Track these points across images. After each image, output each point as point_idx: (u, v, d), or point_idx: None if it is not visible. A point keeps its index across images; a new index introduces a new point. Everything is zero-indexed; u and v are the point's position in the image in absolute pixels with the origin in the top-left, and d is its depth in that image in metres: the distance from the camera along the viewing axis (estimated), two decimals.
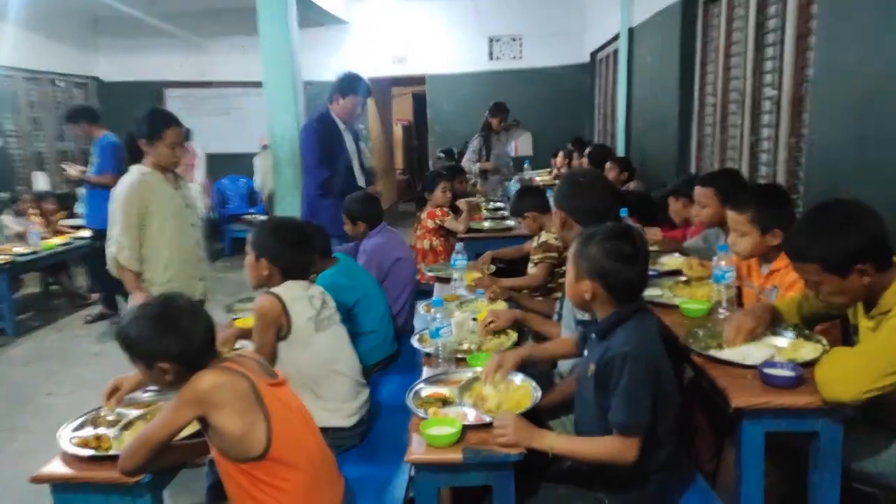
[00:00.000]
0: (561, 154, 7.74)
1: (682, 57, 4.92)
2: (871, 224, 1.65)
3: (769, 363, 1.69)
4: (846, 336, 1.97)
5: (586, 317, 1.90)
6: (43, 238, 5.45)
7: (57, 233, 5.98)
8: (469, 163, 6.25)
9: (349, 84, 4.03)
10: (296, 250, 2.15)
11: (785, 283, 2.23)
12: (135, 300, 2.66)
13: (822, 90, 2.90)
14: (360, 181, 4.14)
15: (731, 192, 2.66)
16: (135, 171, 2.80)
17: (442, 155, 7.84)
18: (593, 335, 1.72)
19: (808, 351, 1.79)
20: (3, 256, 4.97)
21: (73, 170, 5.22)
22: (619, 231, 1.69)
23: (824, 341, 1.82)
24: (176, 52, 9.19)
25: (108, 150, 4.87)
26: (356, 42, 9.27)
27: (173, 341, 1.52)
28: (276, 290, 2.04)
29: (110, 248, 2.76)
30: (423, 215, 4.43)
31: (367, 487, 1.92)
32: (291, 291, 2.05)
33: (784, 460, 1.75)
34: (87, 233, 5.82)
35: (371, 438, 2.22)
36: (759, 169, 3.86)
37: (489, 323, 2.30)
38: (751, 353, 1.78)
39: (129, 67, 9.06)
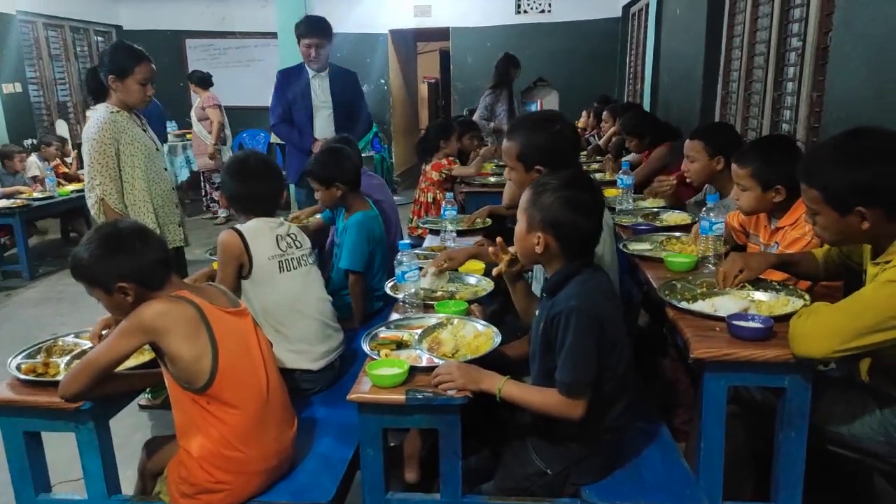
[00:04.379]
0: (585, 113, 7.44)
1: (710, 6, 4.65)
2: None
3: (740, 315, 1.58)
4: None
5: None
6: (59, 185, 5.53)
7: (74, 180, 6.06)
8: (480, 120, 5.90)
9: (296, 28, 3.80)
10: (245, 184, 2.08)
11: (785, 241, 2.09)
12: None
13: (842, 39, 2.68)
14: (327, 131, 3.85)
15: (722, 146, 2.50)
16: (102, 110, 2.64)
17: (465, 114, 7.49)
18: (543, 294, 1.63)
19: (783, 306, 1.67)
20: (18, 200, 5.06)
21: None
22: (575, 179, 1.57)
23: (807, 297, 1.70)
24: None
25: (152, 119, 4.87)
26: None
27: (124, 259, 1.53)
28: (239, 226, 2.00)
29: (93, 192, 2.60)
30: (428, 167, 4.32)
31: (329, 428, 1.92)
32: (256, 228, 2.01)
33: (754, 421, 1.66)
34: None
35: (343, 383, 2.19)
36: (780, 127, 3.65)
37: (443, 262, 2.22)
38: (724, 305, 1.67)
39: (151, 15, 8.96)
